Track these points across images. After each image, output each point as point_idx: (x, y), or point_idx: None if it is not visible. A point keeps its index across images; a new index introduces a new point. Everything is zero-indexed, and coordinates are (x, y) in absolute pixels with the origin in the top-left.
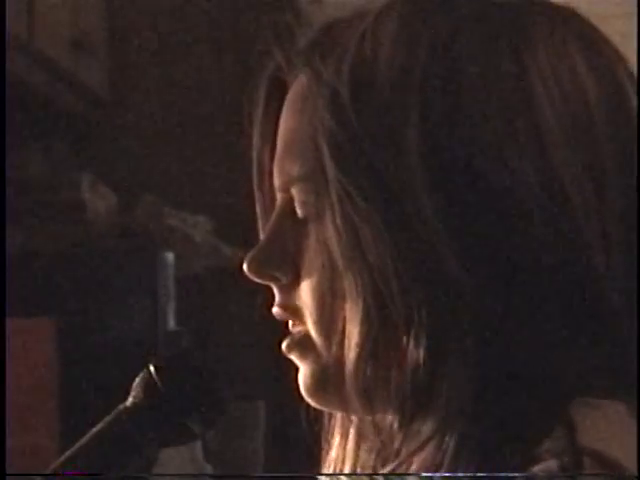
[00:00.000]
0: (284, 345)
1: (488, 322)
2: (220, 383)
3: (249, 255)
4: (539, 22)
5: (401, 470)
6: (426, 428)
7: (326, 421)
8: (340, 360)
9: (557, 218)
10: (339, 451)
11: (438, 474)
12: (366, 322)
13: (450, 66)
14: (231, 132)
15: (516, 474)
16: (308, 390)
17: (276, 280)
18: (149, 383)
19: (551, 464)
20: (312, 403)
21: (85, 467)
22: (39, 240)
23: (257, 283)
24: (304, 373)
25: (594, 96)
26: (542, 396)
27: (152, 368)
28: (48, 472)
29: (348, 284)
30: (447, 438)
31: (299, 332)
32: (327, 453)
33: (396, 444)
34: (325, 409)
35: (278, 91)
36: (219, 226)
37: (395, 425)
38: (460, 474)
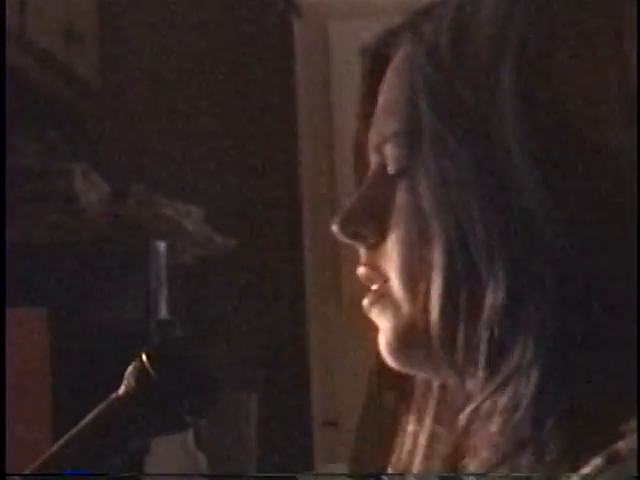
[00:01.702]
0: (365, 302)
1: (569, 268)
2: (212, 372)
3: (338, 215)
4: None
5: (482, 411)
6: (504, 370)
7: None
8: (425, 312)
9: None
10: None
11: (437, 474)
12: (451, 265)
13: (547, 25)
14: (223, 122)
15: (518, 474)
16: (391, 348)
17: (364, 239)
18: (141, 372)
19: (633, 439)
20: (394, 364)
21: (77, 456)
22: (31, 230)
23: (249, 273)
24: (386, 332)
25: None
26: (624, 369)
27: (144, 357)
28: (41, 462)
29: (435, 229)
30: (522, 386)
31: (381, 289)
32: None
33: (478, 386)
34: (407, 370)
35: (380, 65)
36: (211, 215)
37: (477, 370)
38: (461, 474)
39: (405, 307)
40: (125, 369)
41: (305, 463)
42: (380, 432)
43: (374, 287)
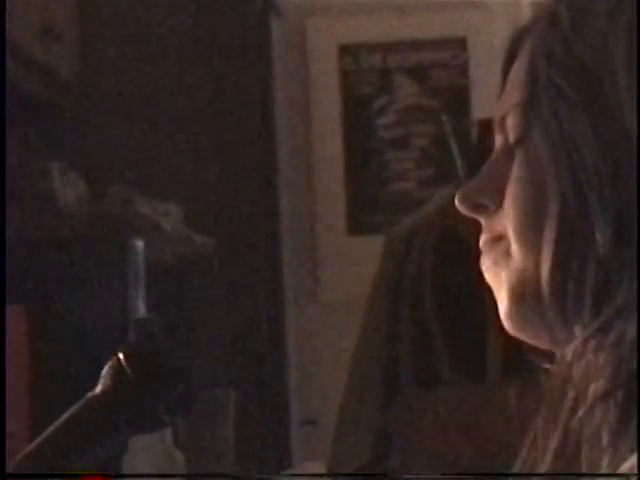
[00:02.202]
0: (482, 259)
1: None
2: (190, 371)
3: (461, 189)
4: None
5: (589, 347)
6: (612, 308)
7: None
8: (537, 263)
9: None
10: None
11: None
12: (565, 215)
13: None
14: (201, 121)
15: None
16: (507, 310)
17: (483, 210)
18: (118, 371)
19: None
20: (512, 328)
21: (55, 454)
22: (9, 228)
23: (228, 271)
24: (500, 292)
25: None
26: None
27: (121, 356)
28: (18, 460)
29: (551, 181)
30: (626, 325)
31: (497, 244)
32: None
33: (585, 323)
34: (522, 334)
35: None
36: (189, 214)
37: (585, 312)
38: (462, 474)
39: (518, 258)
40: (102, 368)
41: (283, 461)
42: (358, 431)
43: (489, 244)
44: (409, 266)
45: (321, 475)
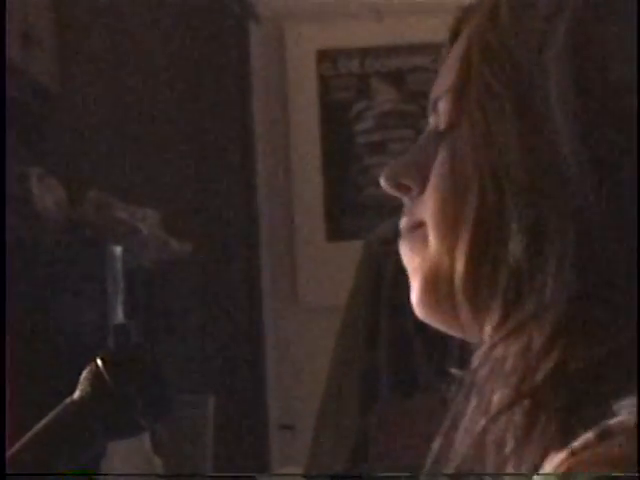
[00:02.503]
0: (400, 242)
1: (593, 222)
2: (168, 376)
3: (387, 167)
4: None
5: (495, 354)
6: (521, 315)
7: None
8: (452, 253)
9: None
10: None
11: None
12: (482, 210)
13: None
14: (180, 126)
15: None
16: (419, 296)
17: (407, 189)
18: (97, 376)
19: (627, 419)
20: (422, 314)
21: (33, 460)
22: None
23: (206, 276)
24: (414, 278)
25: None
26: (630, 341)
27: (99, 361)
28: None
29: (471, 175)
30: (535, 334)
31: (416, 231)
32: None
33: (494, 327)
34: (432, 319)
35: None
36: (167, 219)
37: (494, 313)
38: (462, 474)
39: (434, 247)
40: (80, 373)
41: (261, 466)
42: (336, 436)
43: (408, 229)
44: (388, 271)
45: (302, 476)
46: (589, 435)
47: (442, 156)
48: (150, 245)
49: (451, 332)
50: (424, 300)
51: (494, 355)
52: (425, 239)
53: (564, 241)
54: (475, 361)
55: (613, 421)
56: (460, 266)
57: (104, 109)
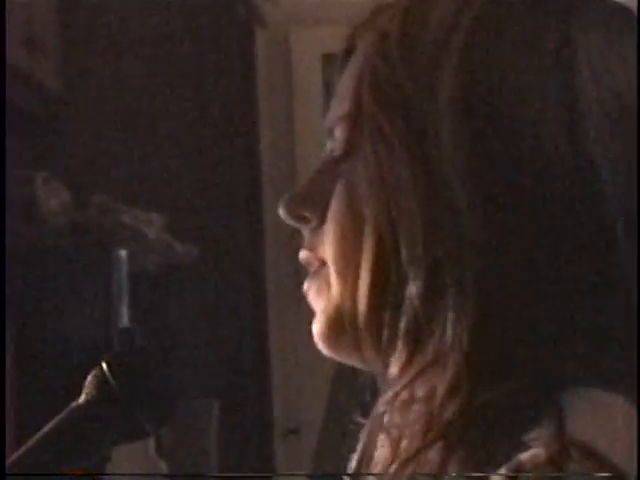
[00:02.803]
0: (305, 284)
1: (489, 265)
2: (173, 381)
3: (285, 197)
4: (595, 10)
5: (400, 399)
6: (423, 359)
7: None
8: (354, 296)
9: (579, 178)
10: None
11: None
12: (379, 252)
13: (493, 31)
14: (184, 130)
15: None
16: (321, 333)
17: (306, 221)
18: (102, 380)
19: (537, 452)
20: (324, 349)
21: (38, 465)
22: None
23: (211, 280)
24: (318, 317)
25: None
26: (534, 376)
27: (105, 365)
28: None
29: (367, 214)
30: (444, 369)
31: (319, 274)
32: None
33: (396, 373)
34: (337, 356)
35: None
36: (172, 223)
37: (399, 357)
38: (461, 474)
39: (336, 290)
40: (86, 377)
41: (266, 471)
42: (342, 440)
43: (313, 270)
44: None
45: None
46: (501, 473)
47: (339, 189)
48: (155, 249)
49: (355, 365)
50: (328, 338)
51: (399, 402)
52: (328, 281)
53: (462, 284)
54: (380, 407)
55: (524, 456)
56: (362, 309)
57: (109, 113)
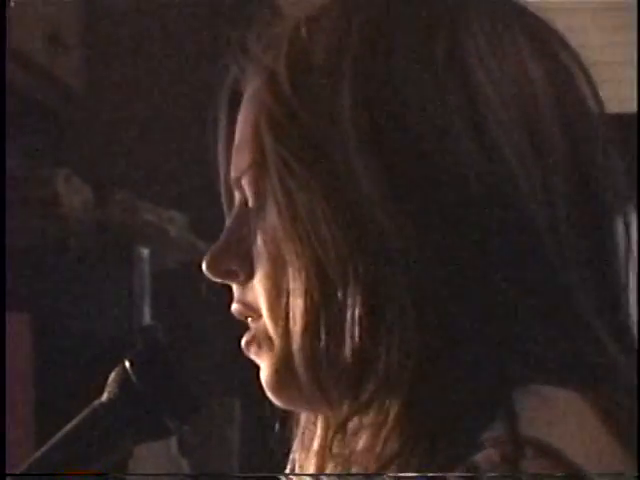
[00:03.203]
0: (243, 343)
1: (423, 279)
2: (195, 379)
3: (207, 255)
4: (481, 8)
5: (350, 433)
6: (369, 388)
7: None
8: (289, 344)
9: (494, 179)
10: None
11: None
12: (308, 291)
13: (383, 45)
14: (205, 128)
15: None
16: (268, 388)
17: (234, 276)
18: (124, 378)
19: (492, 453)
20: (276, 402)
21: (60, 463)
22: (13, 235)
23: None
24: (264, 370)
25: (538, 77)
26: (484, 379)
27: (127, 363)
28: (24, 469)
29: (289, 257)
30: (388, 401)
31: (256, 328)
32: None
33: (344, 409)
34: (289, 407)
35: (237, 101)
36: (194, 221)
37: (343, 392)
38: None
39: (276, 341)
40: (108, 375)
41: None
42: None
43: (251, 323)
44: None
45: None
46: (456, 475)
47: (258, 239)
48: (177, 247)
49: (301, 411)
50: (276, 390)
51: (348, 431)
52: (266, 334)
53: (400, 302)
54: (328, 437)
55: (479, 456)
56: (301, 353)
57: (131, 110)
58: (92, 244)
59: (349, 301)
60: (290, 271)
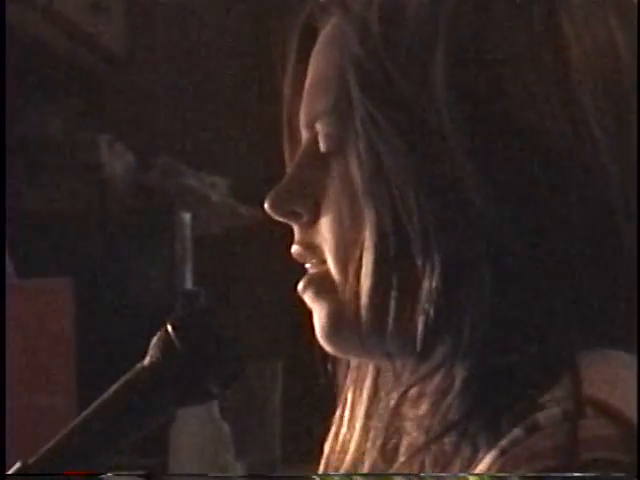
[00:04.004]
0: (300, 285)
1: (505, 254)
2: (237, 343)
3: (271, 192)
4: None
5: (411, 398)
6: (438, 355)
7: (342, 375)
8: (357, 296)
9: (581, 155)
10: (354, 400)
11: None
12: (383, 248)
13: (478, 6)
14: (248, 92)
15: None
16: (324, 332)
17: (297, 216)
18: (167, 343)
19: (554, 411)
20: (328, 347)
21: (102, 427)
22: (57, 200)
23: (275, 243)
24: (320, 315)
25: (624, 51)
26: (551, 343)
27: (170, 327)
28: (67, 432)
29: (367, 211)
30: (457, 366)
31: (317, 271)
32: (342, 407)
33: (408, 371)
34: (341, 354)
35: (310, 38)
36: (236, 186)
37: (408, 354)
38: (460, 474)
39: (340, 289)
40: (150, 340)
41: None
42: None
43: (310, 268)
44: None
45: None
46: (517, 431)
47: (334, 185)
48: (219, 212)
49: (353, 358)
50: (332, 338)
51: (408, 398)
52: (329, 279)
53: (481, 281)
54: (392, 403)
55: (541, 414)
56: (367, 309)
57: (173, 75)
58: (134, 209)
59: (427, 269)
60: (367, 225)
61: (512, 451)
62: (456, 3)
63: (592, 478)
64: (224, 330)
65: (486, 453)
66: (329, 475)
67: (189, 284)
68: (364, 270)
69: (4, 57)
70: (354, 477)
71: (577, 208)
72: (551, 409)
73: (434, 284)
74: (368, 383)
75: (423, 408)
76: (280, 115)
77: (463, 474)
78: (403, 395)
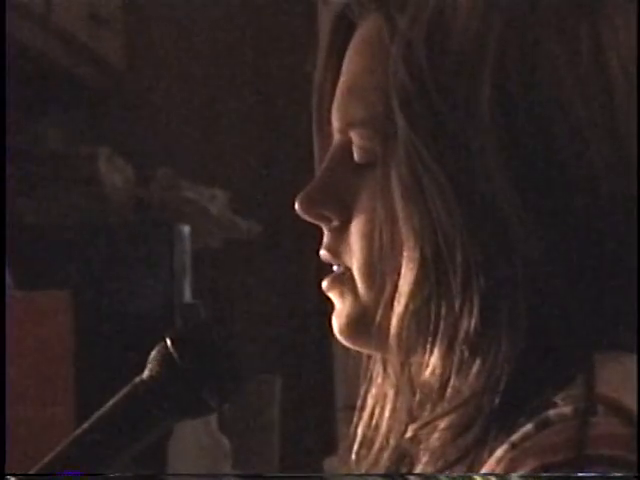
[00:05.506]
0: (325, 282)
1: (545, 293)
2: (236, 356)
3: (302, 193)
4: (620, 3)
5: (429, 429)
6: (466, 389)
7: (365, 359)
8: (379, 305)
9: (624, 189)
10: (379, 390)
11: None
12: (422, 273)
13: (526, 36)
14: (248, 105)
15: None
16: (342, 329)
17: (326, 220)
18: (166, 356)
19: (566, 409)
20: (346, 341)
21: (101, 440)
22: (56, 213)
23: (274, 257)
24: (339, 312)
25: None
26: (566, 347)
27: (169, 341)
28: (65, 445)
29: (407, 233)
30: (485, 401)
31: (343, 273)
32: (367, 391)
33: (433, 400)
34: (358, 348)
35: (345, 31)
36: (235, 199)
37: (435, 382)
38: (461, 474)
39: (364, 296)
40: (149, 353)
41: (328, 446)
42: None
43: (336, 270)
44: None
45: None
46: (528, 426)
47: (368, 193)
48: (218, 225)
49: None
50: (350, 336)
51: (428, 429)
52: (352, 284)
53: (516, 306)
54: (410, 433)
55: (552, 411)
56: (397, 319)
57: (172, 88)
58: (133, 222)
59: (466, 308)
60: (406, 251)
61: (521, 446)
62: (503, 28)
63: (592, 478)
64: (223, 344)
65: (496, 448)
66: (331, 475)
67: (188, 297)
68: (399, 291)
69: (4, 69)
70: (358, 477)
71: (620, 241)
72: (563, 407)
73: (472, 325)
74: (389, 406)
75: (438, 439)
76: (309, 107)
77: (469, 474)
78: (421, 427)
